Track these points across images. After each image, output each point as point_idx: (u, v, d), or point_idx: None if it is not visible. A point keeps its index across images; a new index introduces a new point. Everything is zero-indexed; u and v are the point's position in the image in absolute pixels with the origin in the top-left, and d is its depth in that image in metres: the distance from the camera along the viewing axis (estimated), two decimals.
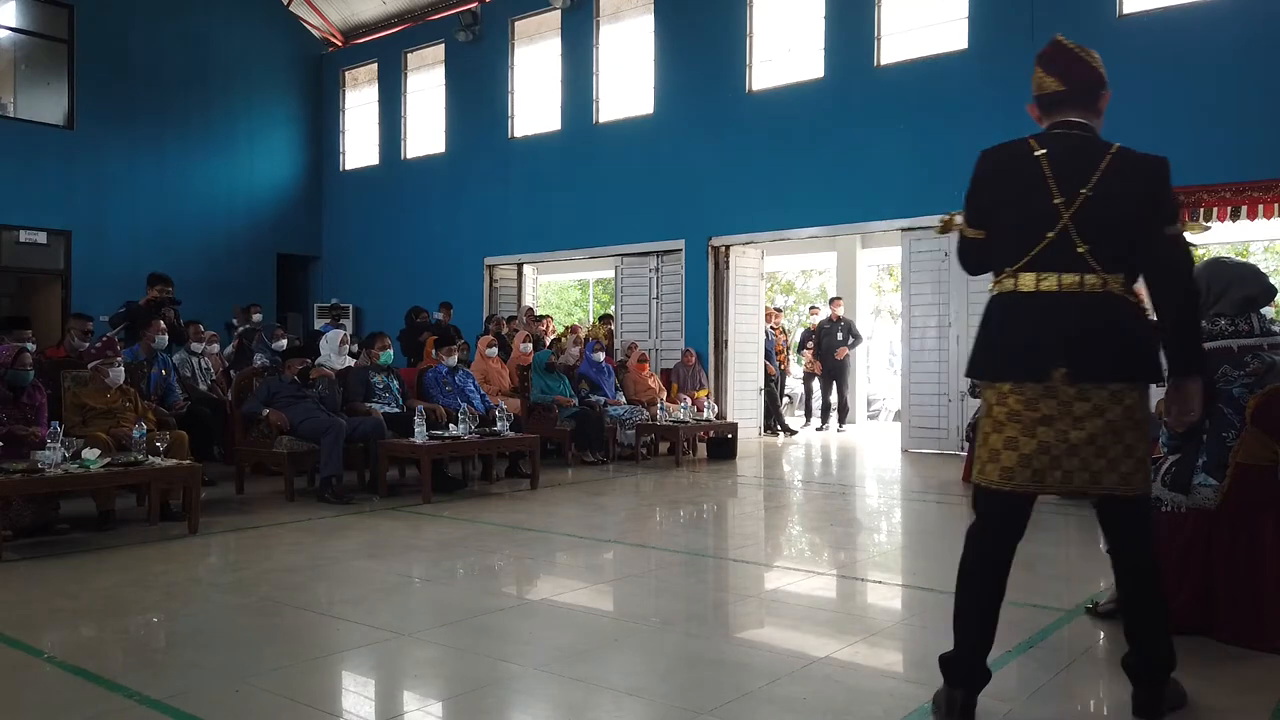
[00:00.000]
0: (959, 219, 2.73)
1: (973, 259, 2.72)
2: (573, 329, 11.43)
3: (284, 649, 3.25)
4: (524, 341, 9.33)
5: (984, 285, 9.40)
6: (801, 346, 12.59)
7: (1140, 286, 2.54)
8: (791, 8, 10.98)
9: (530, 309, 12.37)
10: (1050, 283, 2.44)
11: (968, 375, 2.68)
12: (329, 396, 6.80)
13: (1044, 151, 2.50)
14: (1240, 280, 3.31)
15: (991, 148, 2.61)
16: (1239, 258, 5.45)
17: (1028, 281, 2.47)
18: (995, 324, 2.55)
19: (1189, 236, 2.68)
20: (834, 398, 12.01)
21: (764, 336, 11.93)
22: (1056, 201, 2.44)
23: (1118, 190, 2.43)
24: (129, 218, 13.21)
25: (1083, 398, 2.41)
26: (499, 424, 7.08)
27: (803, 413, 12.93)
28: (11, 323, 6.99)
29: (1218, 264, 3.39)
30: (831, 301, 12.50)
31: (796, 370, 14.08)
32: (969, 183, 2.64)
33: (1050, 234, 2.44)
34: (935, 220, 11.13)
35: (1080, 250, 2.42)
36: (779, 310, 13.85)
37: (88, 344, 6.85)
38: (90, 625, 3.60)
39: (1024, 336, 2.47)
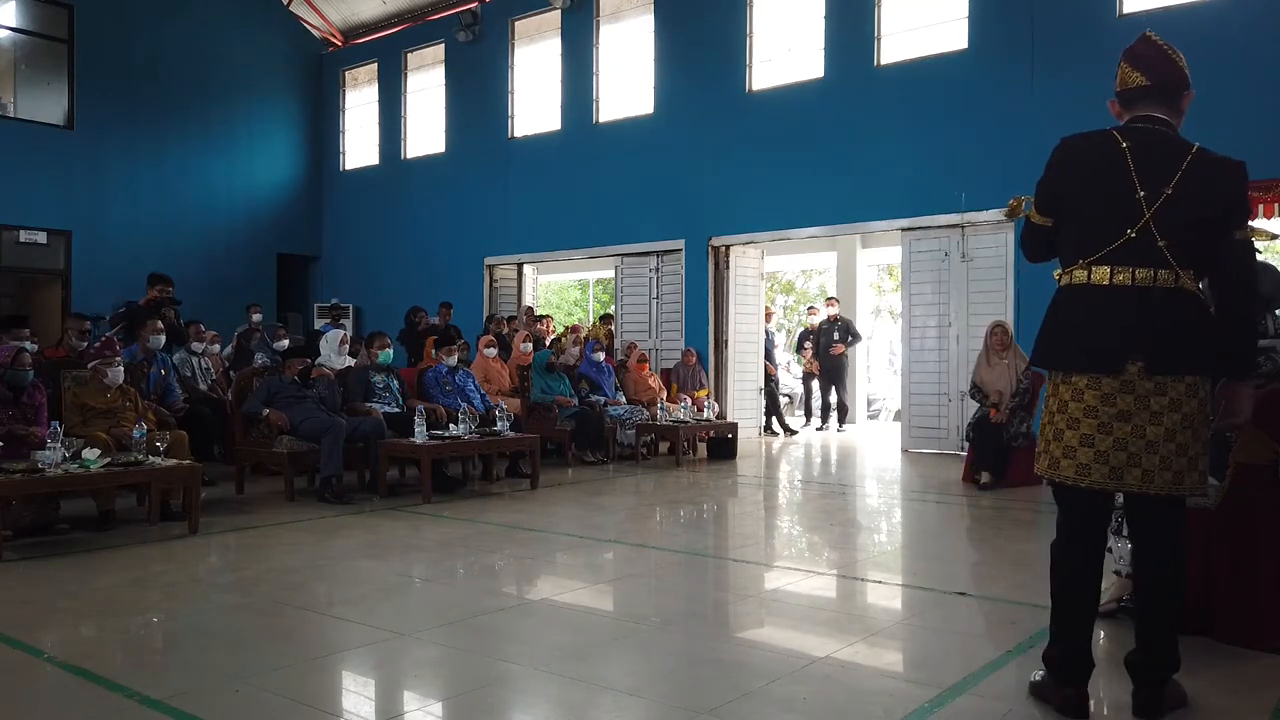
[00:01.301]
0: (1027, 204, 2.70)
1: (1037, 246, 2.70)
2: (573, 329, 11.42)
3: (284, 649, 3.25)
4: (524, 341, 9.32)
5: (983, 285, 9.38)
6: (799, 346, 12.60)
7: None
8: (791, 8, 10.97)
9: (530, 309, 12.36)
10: (1124, 277, 2.44)
11: (1034, 365, 2.67)
12: (329, 396, 6.80)
13: (1128, 145, 2.48)
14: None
15: (1072, 136, 2.59)
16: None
17: (1101, 275, 2.46)
18: (1066, 316, 2.54)
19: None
20: (833, 398, 12.01)
21: (764, 336, 11.94)
22: (1139, 196, 2.43)
23: (1197, 191, 2.43)
24: (129, 218, 13.20)
25: (1159, 392, 2.41)
26: (499, 424, 7.08)
27: (803, 413, 12.93)
28: (10, 322, 6.98)
29: None
30: (827, 301, 12.52)
31: (794, 370, 14.06)
32: (1044, 168, 2.61)
33: (1131, 231, 2.43)
34: (936, 220, 11.04)
35: (1160, 245, 2.42)
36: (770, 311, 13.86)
37: (85, 344, 6.85)
38: (90, 625, 3.60)
39: (1098, 329, 2.46)
